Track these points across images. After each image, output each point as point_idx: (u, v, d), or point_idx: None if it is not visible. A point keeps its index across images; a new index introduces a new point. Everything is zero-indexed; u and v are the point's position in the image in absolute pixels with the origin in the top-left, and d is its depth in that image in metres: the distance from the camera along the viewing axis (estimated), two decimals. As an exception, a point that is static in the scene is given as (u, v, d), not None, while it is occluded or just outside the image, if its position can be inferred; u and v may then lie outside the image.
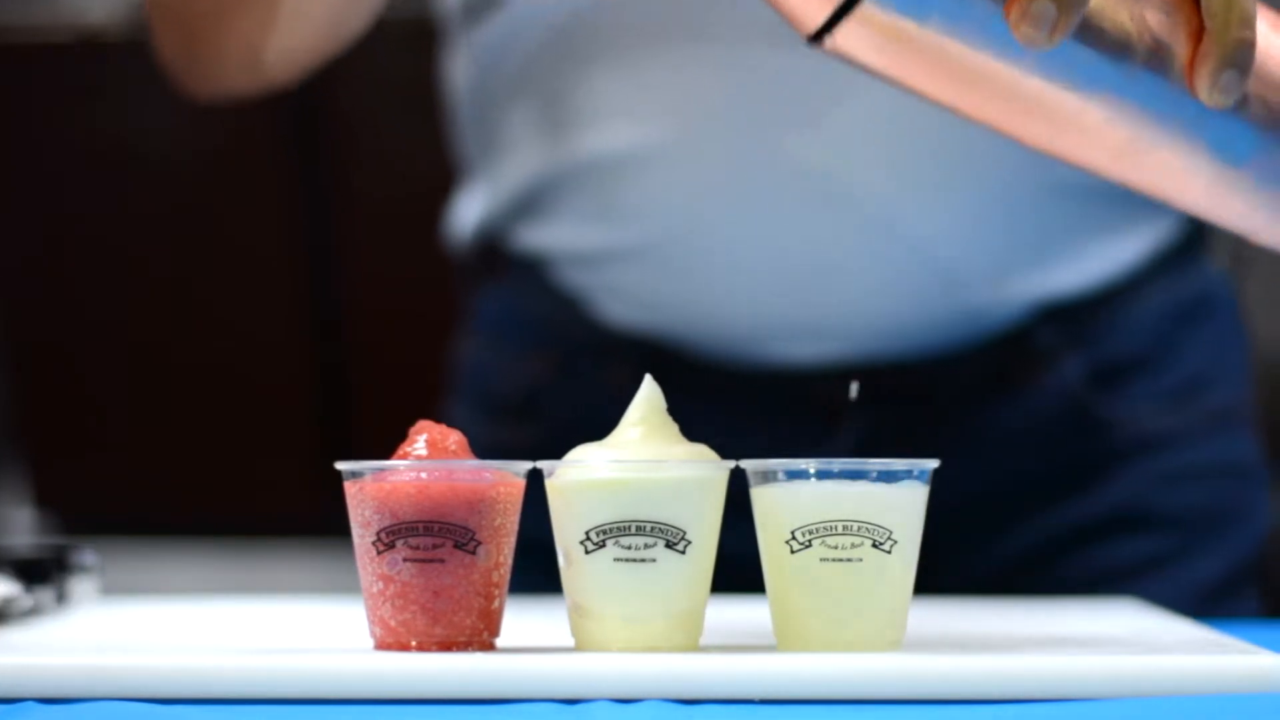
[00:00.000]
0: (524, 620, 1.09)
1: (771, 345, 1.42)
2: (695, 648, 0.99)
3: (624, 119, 1.41)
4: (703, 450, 1.00)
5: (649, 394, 1.01)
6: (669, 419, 1.00)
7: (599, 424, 1.01)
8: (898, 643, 0.99)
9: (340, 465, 1.00)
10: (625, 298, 1.44)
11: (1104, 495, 1.44)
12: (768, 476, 0.99)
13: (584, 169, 1.44)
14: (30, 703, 0.92)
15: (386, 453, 1.01)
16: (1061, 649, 1.00)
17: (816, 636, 0.98)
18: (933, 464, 1.00)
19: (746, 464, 1.00)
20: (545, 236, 1.48)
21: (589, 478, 0.98)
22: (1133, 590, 1.41)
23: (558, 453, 1.00)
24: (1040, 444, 1.42)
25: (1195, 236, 1.49)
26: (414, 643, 0.98)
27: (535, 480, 1.01)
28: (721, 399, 1.42)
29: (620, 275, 1.44)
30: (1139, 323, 1.46)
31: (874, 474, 0.98)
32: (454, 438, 1.01)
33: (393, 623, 0.98)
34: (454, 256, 1.57)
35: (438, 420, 1.01)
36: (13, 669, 0.93)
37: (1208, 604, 1.42)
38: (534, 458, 1.01)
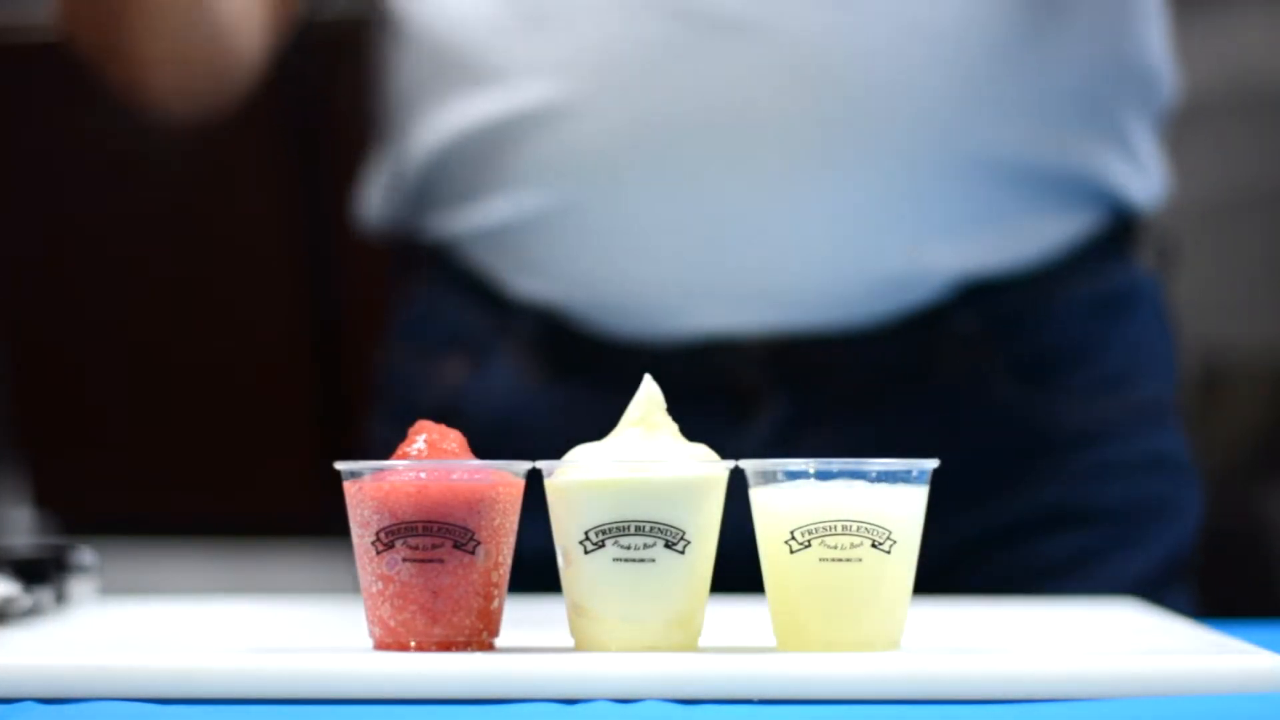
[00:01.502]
0: (524, 620, 1.08)
1: (684, 314, 1.41)
2: (695, 648, 0.99)
3: (526, 78, 1.41)
4: (703, 450, 1.00)
5: (649, 394, 1.01)
6: (669, 419, 1.00)
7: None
8: (897, 643, 0.99)
9: (340, 465, 1.00)
10: (536, 271, 1.43)
11: (1032, 491, 1.43)
12: (767, 476, 0.99)
13: (488, 134, 1.43)
14: (30, 703, 0.92)
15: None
16: (1061, 649, 1.00)
17: (816, 636, 0.98)
18: (932, 464, 1.00)
19: (746, 464, 1.00)
20: (453, 220, 1.47)
21: (588, 478, 0.98)
22: (1063, 586, 1.41)
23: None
24: (965, 437, 1.41)
25: (1121, 231, 1.49)
26: (413, 643, 0.98)
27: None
28: (628, 379, 1.41)
29: (529, 246, 1.43)
30: (1062, 315, 1.45)
31: (873, 474, 0.98)
32: (453, 438, 1.01)
33: (392, 623, 0.98)
34: (373, 241, 1.57)
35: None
36: (12, 669, 0.93)
37: (1140, 599, 1.41)
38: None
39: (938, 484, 0.98)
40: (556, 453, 1.00)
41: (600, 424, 1.01)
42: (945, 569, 1.40)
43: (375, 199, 1.55)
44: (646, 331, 1.42)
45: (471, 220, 1.46)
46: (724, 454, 1.00)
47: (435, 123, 1.46)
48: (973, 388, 1.43)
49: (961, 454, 1.38)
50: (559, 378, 1.44)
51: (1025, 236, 1.43)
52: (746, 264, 1.39)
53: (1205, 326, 2.43)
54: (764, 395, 1.40)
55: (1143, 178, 1.47)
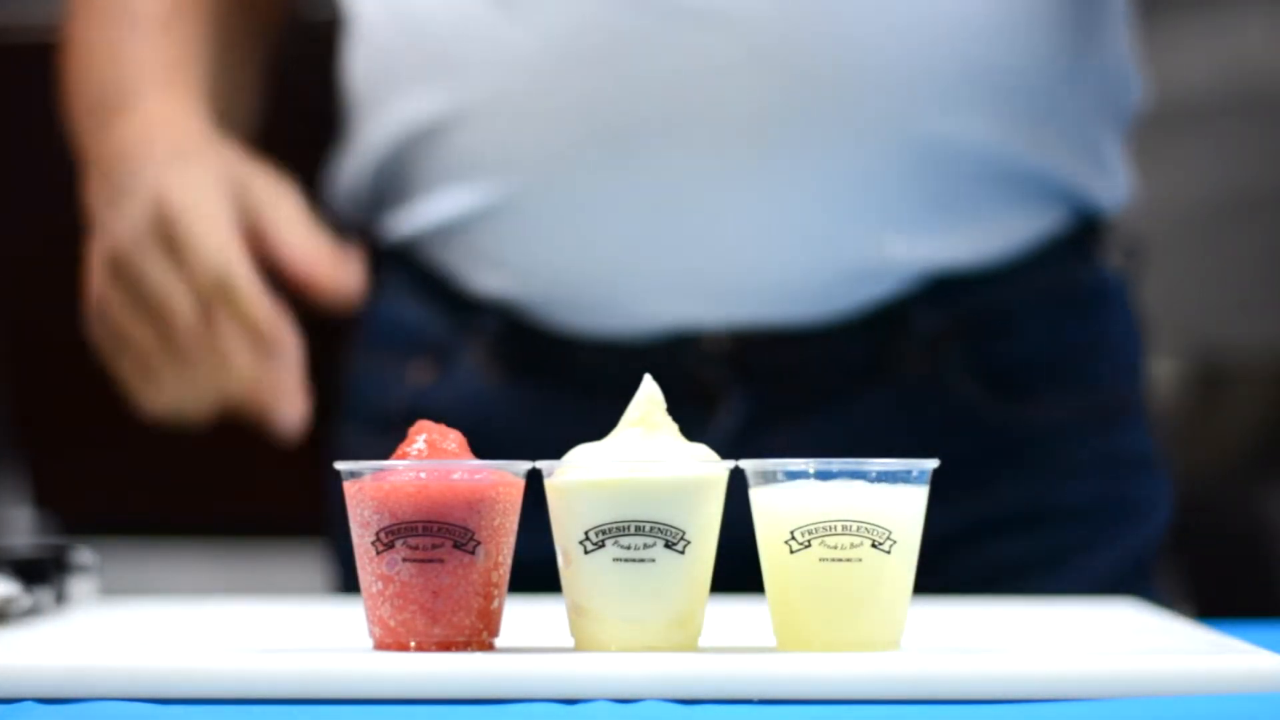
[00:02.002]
0: (524, 620, 1.08)
1: (645, 307, 1.40)
2: (695, 648, 0.99)
3: (481, 69, 1.41)
4: (703, 450, 1.00)
5: (648, 394, 1.01)
6: (669, 419, 1.00)
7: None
8: (897, 643, 0.99)
9: (340, 465, 1.00)
10: (494, 265, 1.43)
11: (996, 490, 1.42)
12: (767, 476, 0.99)
13: (442, 126, 1.43)
14: (30, 703, 0.92)
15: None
16: (1061, 649, 1.00)
17: (816, 636, 0.98)
18: (932, 464, 1.00)
19: (746, 464, 1.00)
20: (410, 217, 1.47)
21: (588, 478, 0.98)
22: (1027, 586, 1.41)
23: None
24: (928, 435, 1.41)
25: (1087, 233, 1.48)
26: (413, 643, 0.98)
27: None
28: (591, 378, 1.41)
29: (487, 240, 1.43)
30: (1026, 313, 1.45)
31: (873, 474, 0.98)
32: (453, 438, 1.01)
33: (392, 623, 0.98)
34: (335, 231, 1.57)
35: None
36: (12, 669, 0.93)
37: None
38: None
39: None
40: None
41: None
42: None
43: (336, 199, 1.55)
44: (608, 327, 1.41)
45: (428, 216, 1.45)
46: None
47: (387, 118, 1.46)
48: (936, 386, 1.42)
49: (924, 453, 1.38)
50: (522, 377, 1.44)
51: (989, 233, 1.43)
52: (707, 256, 1.39)
53: (1205, 326, 2.43)
54: (726, 393, 1.40)
55: (1108, 181, 1.47)
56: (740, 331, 1.41)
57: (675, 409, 0.95)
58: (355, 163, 1.51)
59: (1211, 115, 2.41)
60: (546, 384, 1.43)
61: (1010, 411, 1.44)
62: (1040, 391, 1.45)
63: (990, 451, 1.43)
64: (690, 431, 1.00)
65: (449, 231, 1.45)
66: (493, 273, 1.44)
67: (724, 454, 1.00)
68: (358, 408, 1.53)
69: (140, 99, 1.44)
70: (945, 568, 1.40)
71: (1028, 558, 1.44)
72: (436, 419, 1.01)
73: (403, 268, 1.50)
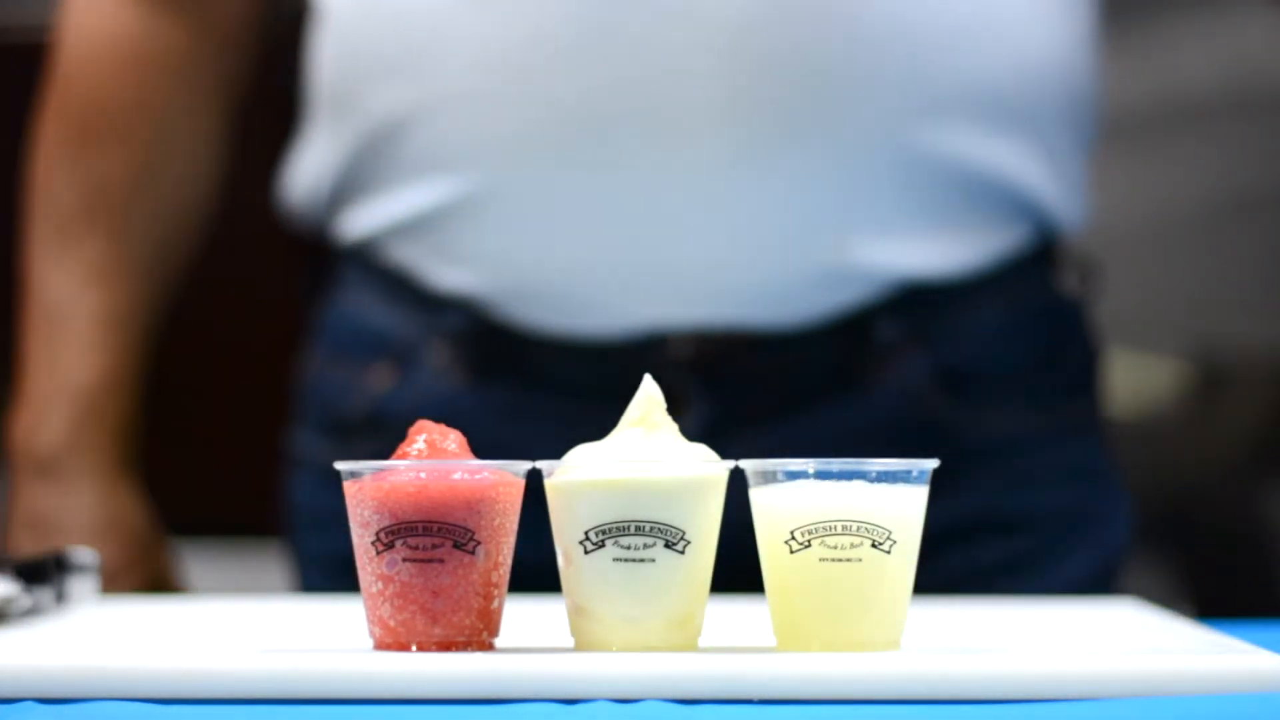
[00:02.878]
0: (524, 620, 1.08)
1: (609, 307, 1.40)
2: (695, 648, 0.99)
3: (446, 64, 1.40)
4: (703, 450, 1.00)
5: (648, 393, 1.00)
6: (668, 418, 1.00)
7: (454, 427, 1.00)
8: (897, 643, 0.99)
9: (340, 465, 1.00)
10: (458, 260, 1.42)
11: (954, 498, 1.42)
12: (767, 476, 0.99)
13: (409, 120, 1.42)
14: (30, 703, 0.92)
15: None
16: (1061, 649, 1.00)
17: (816, 636, 0.98)
18: (932, 464, 1.00)
19: (746, 464, 1.00)
20: (370, 214, 1.46)
21: (588, 478, 0.98)
22: (986, 593, 1.41)
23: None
24: (891, 443, 1.41)
25: (1048, 250, 1.49)
26: (413, 643, 0.98)
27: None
28: (558, 379, 1.41)
29: (451, 235, 1.42)
30: (987, 326, 1.45)
31: (873, 474, 0.98)
32: (453, 437, 1.01)
33: (392, 623, 0.98)
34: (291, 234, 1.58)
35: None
36: (12, 669, 0.93)
37: None
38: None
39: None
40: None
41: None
42: None
43: (293, 195, 1.54)
44: (575, 326, 1.41)
45: (393, 211, 1.45)
46: None
47: (353, 113, 1.45)
48: (898, 394, 1.43)
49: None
50: (487, 379, 1.44)
51: (955, 243, 1.43)
52: (676, 255, 1.39)
53: (1205, 326, 2.43)
54: (689, 398, 1.40)
55: (1073, 199, 1.48)
56: (706, 334, 1.40)
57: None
58: (317, 158, 1.50)
59: (1211, 115, 2.41)
60: (512, 385, 1.43)
61: (968, 420, 1.44)
62: (998, 402, 1.45)
63: (948, 459, 1.44)
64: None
65: (414, 228, 1.44)
66: (458, 269, 1.43)
67: None
68: (316, 413, 1.52)
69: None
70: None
71: (987, 566, 1.44)
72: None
73: (361, 267, 1.49)
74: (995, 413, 1.45)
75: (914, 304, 1.42)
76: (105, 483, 1.53)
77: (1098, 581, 1.47)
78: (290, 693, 0.92)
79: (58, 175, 1.55)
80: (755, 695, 0.92)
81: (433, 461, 0.99)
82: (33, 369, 1.53)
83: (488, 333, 1.43)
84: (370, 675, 0.92)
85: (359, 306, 1.49)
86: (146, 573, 1.54)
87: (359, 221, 1.48)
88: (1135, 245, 2.27)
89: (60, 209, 1.54)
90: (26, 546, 1.49)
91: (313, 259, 1.54)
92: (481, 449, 1.01)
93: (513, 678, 0.92)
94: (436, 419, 1.00)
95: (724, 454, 1.00)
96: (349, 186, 1.48)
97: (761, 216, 1.37)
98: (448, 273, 1.43)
